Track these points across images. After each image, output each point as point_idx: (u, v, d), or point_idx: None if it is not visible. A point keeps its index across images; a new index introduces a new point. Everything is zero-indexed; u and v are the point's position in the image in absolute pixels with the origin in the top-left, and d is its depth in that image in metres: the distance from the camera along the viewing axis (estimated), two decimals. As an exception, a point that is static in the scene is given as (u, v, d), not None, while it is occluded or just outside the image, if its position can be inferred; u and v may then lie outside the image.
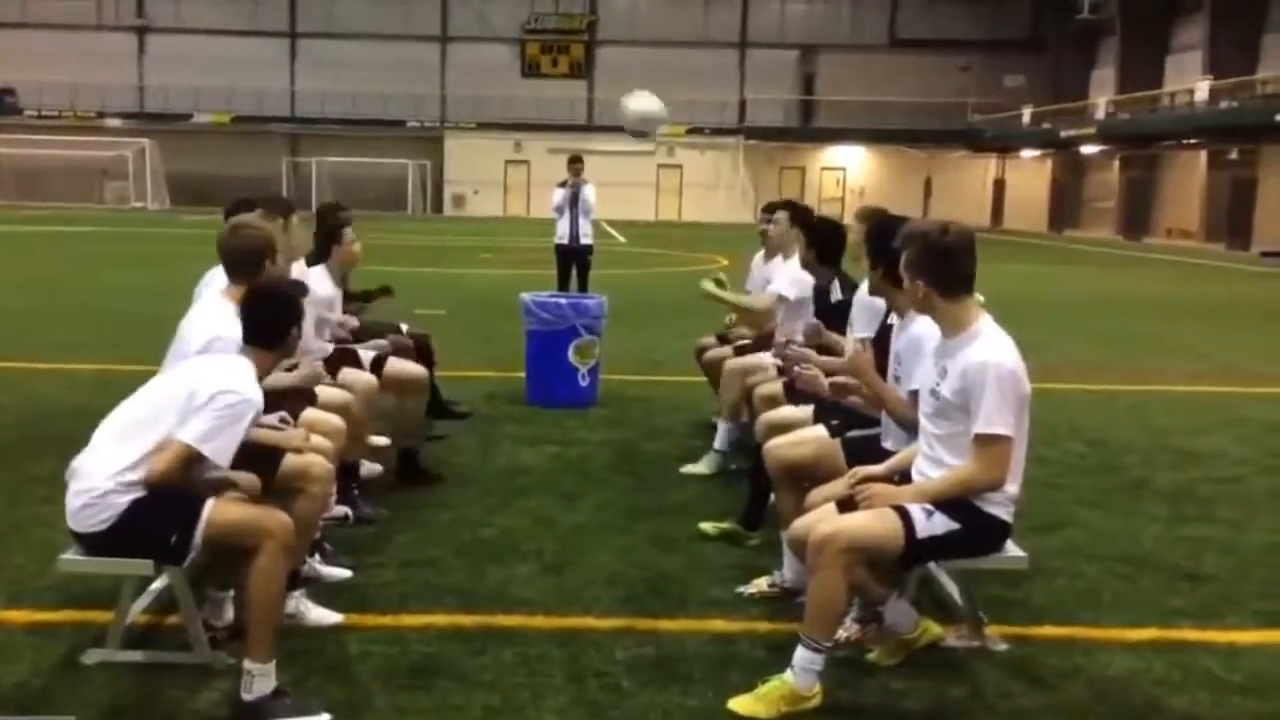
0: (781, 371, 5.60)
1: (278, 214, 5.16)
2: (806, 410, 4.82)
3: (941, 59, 47.50)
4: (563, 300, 8.23)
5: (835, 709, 3.45)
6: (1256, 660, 3.93)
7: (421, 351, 6.65)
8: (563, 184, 12.81)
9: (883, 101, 45.68)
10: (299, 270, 5.40)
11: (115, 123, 46.76)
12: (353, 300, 6.68)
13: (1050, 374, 8.88)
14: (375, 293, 6.92)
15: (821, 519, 3.57)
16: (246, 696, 3.29)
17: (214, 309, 4.13)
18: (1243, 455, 7.08)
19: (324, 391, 4.96)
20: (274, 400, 4.01)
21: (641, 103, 8.73)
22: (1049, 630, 4.15)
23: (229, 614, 3.86)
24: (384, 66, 47.40)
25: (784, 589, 4.32)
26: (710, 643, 3.95)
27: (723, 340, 7.19)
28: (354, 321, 6.30)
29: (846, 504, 3.61)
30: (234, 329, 3.80)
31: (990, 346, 3.47)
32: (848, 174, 49.38)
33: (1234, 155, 36.05)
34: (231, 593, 3.83)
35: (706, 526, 5.14)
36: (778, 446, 4.45)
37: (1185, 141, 36.78)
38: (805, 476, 4.24)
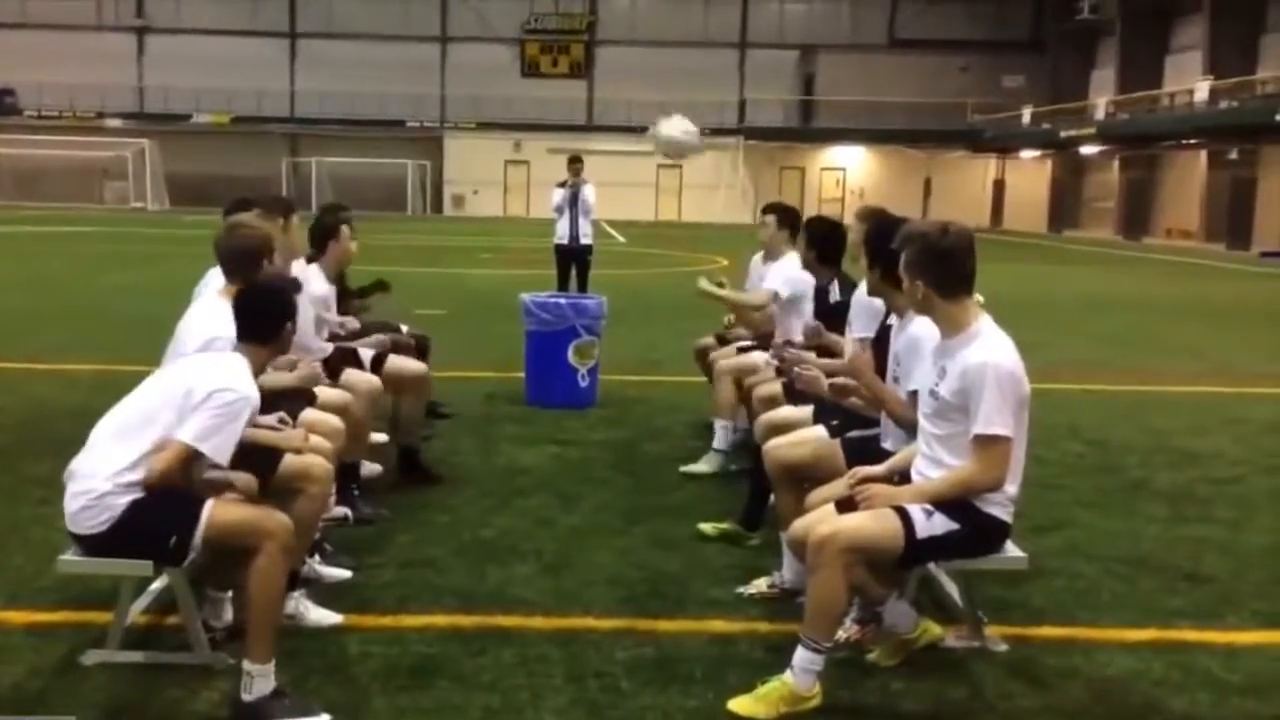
0: (780, 372, 5.60)
1: (277, 214, 5.17)
2: (806, 411, 4.82)
3: (941, 59, 47.50)
4: (562, 300, 8.23)
5: (835, 709, 3.45)
6: (1256, 660, 3.93)
7: (420, 352, 6.65)
8: (562, 184, 12.80)
9: (882, 102, 45.68)
10: (298, 269, 5.40)
11: (115, 123, 46.76)
12: (350, 297, 6.68)
13: (1049, 374, 8.88)
14: (371, 288, 6.92)
15: (821, 519, 3.57)
16: (246, 697, 3.29)
17: (212, 309, 4.13)
18: (1242, 455, 7.09)
19: (323, 392, 4.96)
20: (273, 401, 4.01)
21: (675, 127, 8.82)
22: (1048, 631, 4.15)
23: (228, 614, 3.86)
24: (384, 66, 47.39)
25: (784, 589, 4.32)
26: (710, 643, 3.95)
27: (722, 341, 7.20)
28: (355, 323, 6.31)
29: (846, 504, 3.61)
30: (232, 329, 3.79)
31: (989, 347, 3.47)
32: (847, 174, 49.38)
33: (1234, 155, 36.06)
34: (231, 593, 3.84)
35: (706, 527, 5.14)
36: (777, 447, 4.45)
37: (1185, 142, 36.77)
38: (805, 477, 4.24)
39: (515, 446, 6.77)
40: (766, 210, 6.81)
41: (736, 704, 3.42)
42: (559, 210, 12.70)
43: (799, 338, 5.90)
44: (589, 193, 12.63)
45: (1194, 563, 4.96)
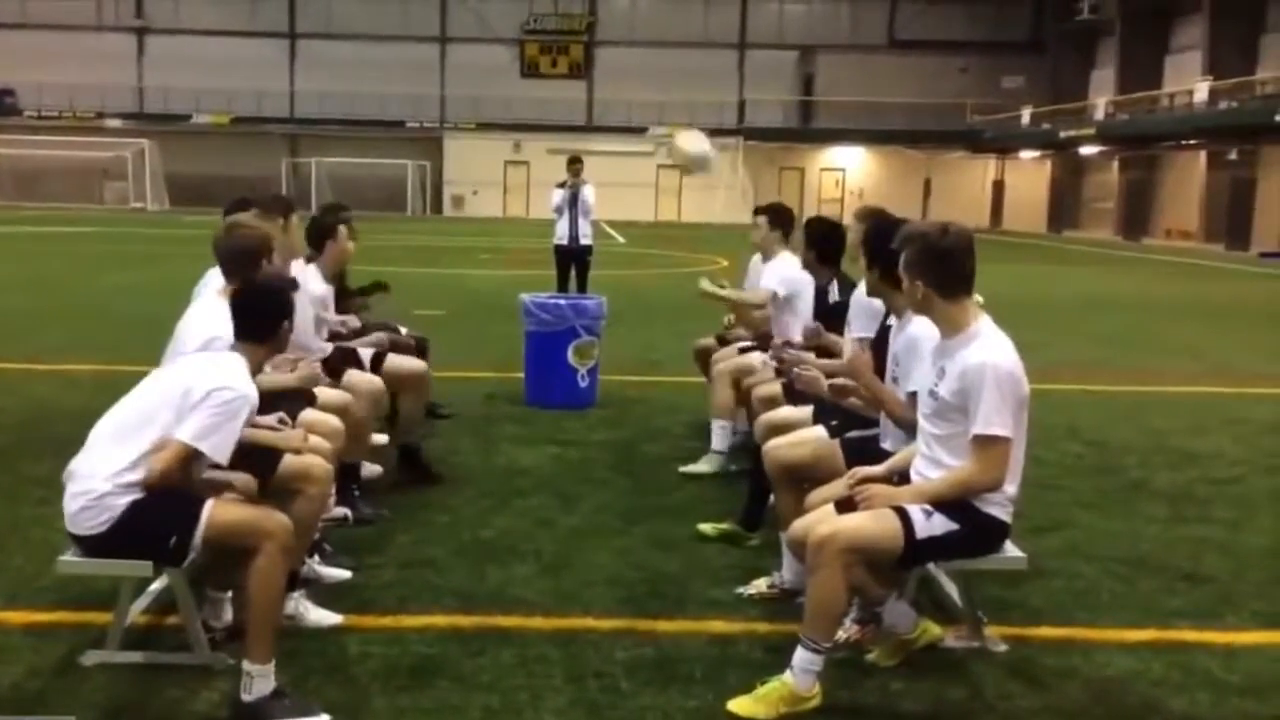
0: (779, 373, 5.61)
1: (276, 213, 5.18)
2: (805, 411, 4.82)
3: (940, 60, 47.53)
4: (562, 301, 8.23)
5: (835, 710, 3.45)
6: (1255, 661, 3.93)
7: (420, 354, 6.65)
8: (562, 184, 12.80)
9: (882, 102, 45.70)
10: (297, 269, 5.40)
11: (115, 123, 46.75)
12: (350, 297, 6.68)
13: (1049, 374, 8.88)
14: (370, 288, 6.93)
15: (821, 520, 3.57)
16: (246, 697, 3.29)
17: (211, 309, 4.14)
18: (1241, 456, 7.09)
19: (323, 392, 4.96)
20: (273, 401, 4.02)
21: (693, 143, 8.92)
22: (1048, 631, 4.15)
23: (228, 615, 3.86)
24: (383, 67, 47.38)
25: (783, 590, 4.32)
26: (709, 644, 3.95)
27: (722, 341, 7.20)
28: (356, 322, 6.32)
29: (845, 504, 3.61)
30: (231, 329, 3.80)
31: (989, 347, 3.48)
32: (847, 175, 49.38)
33: (1233, 156, 36.06)
34: (230, 593, 3.84)
35: (706, 527, 5.14)
36: (777, 447, 4.45)
37: (1184, 142, 36.78)
38: (804, 477, 4.24)
39: (515, 447, 6.78)
40: (758, 212, 6.82)
41: (736, 704, 3.42)
42: (559, 211, 12.70)
43: (796, 337, 5.91)
44: (589, 193, 12.63)
45: (1193, 563, 4.96)
